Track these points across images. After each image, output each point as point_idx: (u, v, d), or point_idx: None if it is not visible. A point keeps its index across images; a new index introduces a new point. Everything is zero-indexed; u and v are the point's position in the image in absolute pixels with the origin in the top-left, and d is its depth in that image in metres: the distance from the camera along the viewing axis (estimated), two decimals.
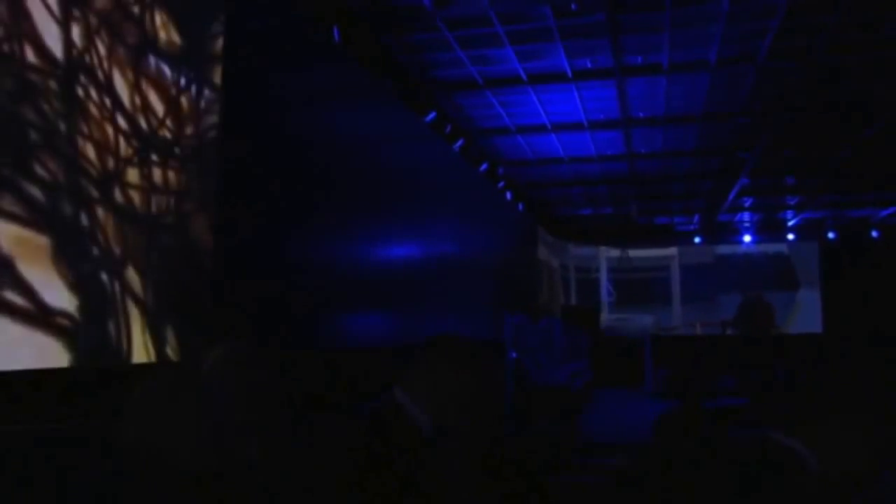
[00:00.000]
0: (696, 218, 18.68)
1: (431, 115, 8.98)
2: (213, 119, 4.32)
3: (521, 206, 14.81)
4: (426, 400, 2.27)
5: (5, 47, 2.99)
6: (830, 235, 18.36)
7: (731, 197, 15.18)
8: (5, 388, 2.97)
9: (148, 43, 3.83)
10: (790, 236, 18.82)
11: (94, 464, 1.73)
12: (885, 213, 17.02)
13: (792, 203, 16.80)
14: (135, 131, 3.71)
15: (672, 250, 19.89)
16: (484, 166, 11.65)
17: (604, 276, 20.28)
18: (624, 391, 14.26)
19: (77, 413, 3.21)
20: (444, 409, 2.25)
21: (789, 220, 18.44)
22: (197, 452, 1.67)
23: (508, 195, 13.62)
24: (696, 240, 19.38)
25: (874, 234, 17.95)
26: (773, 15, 7.08)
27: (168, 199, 3.94)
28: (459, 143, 10.21)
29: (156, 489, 1.60)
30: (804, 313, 18.48)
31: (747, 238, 19.11)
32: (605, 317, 19.31)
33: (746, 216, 18.51)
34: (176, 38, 4.03)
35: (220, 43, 4.41)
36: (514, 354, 9.18)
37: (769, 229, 18.96)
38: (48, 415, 3.14)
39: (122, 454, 1.69)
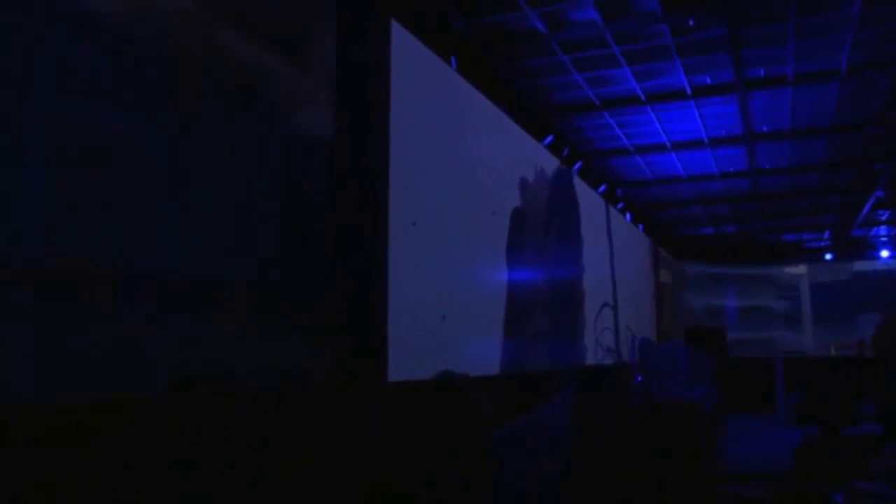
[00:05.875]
0: (826, 234, 17.84)
1: (549, 139, 8.97)
2: None
3: (640, 228, 14.54)
4: None
5: None
6: None
7: (865, 211, 14.44)
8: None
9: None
10: None
11: None
12: None
13: None
14: None
15: (801, 268, 19.01)
16: (602, 188, 11.52)
17: (727, 298, 19.57)
18: (754, 417, 13.70)
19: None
20: None
21: None
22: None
23: (628, 217, 13.41)
24: (828, 257, 18.52)
25: None
26: None
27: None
28: (578, 165, 10.15)
29: None
30: None
31: (885, 253, 18.07)
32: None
33: (883, 230, 17.51)
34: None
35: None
36: (639, 378, 9.00)
37: None
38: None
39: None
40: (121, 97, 3.05)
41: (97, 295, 2.89)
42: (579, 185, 10.17)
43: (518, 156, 8.02)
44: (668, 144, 10.54)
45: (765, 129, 10.02)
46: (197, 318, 3.37)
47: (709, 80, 8.34)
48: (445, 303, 5.86)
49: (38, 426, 2.56)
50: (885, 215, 15.70)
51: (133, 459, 2.87)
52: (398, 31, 5.43)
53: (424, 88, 5.85)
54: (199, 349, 3.39)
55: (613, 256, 11.73)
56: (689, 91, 8.53)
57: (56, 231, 2.73)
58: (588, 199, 10.52)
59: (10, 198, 2.58)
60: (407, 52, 5.54)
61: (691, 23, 6.87)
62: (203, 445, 3.20)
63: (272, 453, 3.43)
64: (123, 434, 2.87)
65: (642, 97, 8.70)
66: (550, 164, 8.99)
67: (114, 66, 3.01)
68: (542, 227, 8.50)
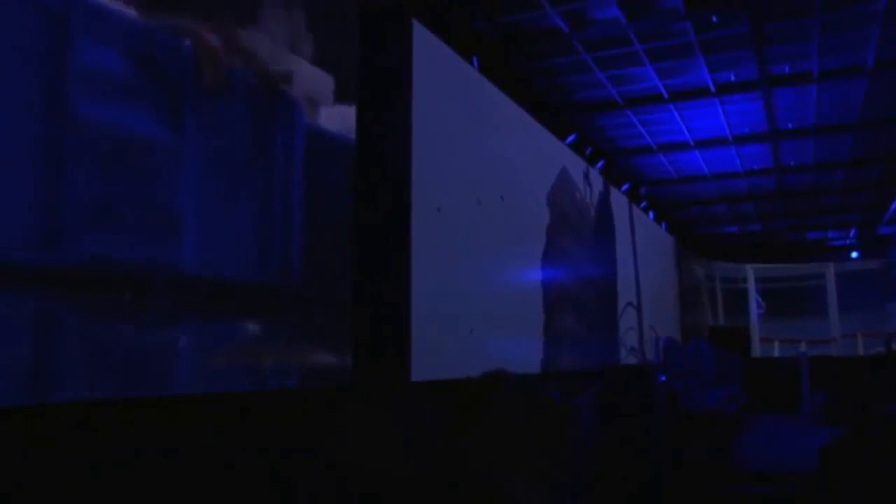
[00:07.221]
0: (852, 232, 17.63)
1: (572, 138, 8.95)
2: None
3: (664, 227, 14.46)
4: None
5: None
6: None
7: (892, 208, 14.29)
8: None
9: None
10: None
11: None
12: None
13: None
14: None
15: None
16: (626, 186, 11.47)
17: (752, 288, 19.36)
18: (780, 416, 13.58)
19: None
20: None
21: None
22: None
23: (651, 215, 13.34)
24: (854, 255, 18.32)
25: None
26: None
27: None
28: (600, 163, 10.11)
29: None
30: None
31: None
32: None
33: None
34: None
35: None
36: (663, 378, 8.94)
37: None
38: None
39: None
40: (147, 99, 3.09)
41: (122, 295, 2.92)
42: (605, 183, 10.13)
43: (540, 155, 8.00)
44: (691, 142, 10.48)
45: (789, 125, 9.93)
46: (220, 319, 3.40)
47: (732, 77, 8.28)
48: (471, 304, 5.86)
49: (47, 426, 2.59)
50: None
51: (150, 459, 2.90)
52: (420, 32, 5.44)
53: (447, 88, 5.86)
54: (223, 349, 3.42)
55: (637, 256, 11.68)
56: (712, 88, 8.48)
57: (80, 232, 2.76)
58: (611, 197, 10.48)
59: (34, 200, 2.61)
60: (429, 52, 5.54)
61: (714, 20, 6.83)
62: (223, 446, 3.22)
63: (292, 453, 3.45)
64: (137, 434, 2.90)
65: (665, 95, 8.65)
66: (573, 162, 8.96)
67: (141, 68, 3.04)
68: (568, 227, 8.47)
